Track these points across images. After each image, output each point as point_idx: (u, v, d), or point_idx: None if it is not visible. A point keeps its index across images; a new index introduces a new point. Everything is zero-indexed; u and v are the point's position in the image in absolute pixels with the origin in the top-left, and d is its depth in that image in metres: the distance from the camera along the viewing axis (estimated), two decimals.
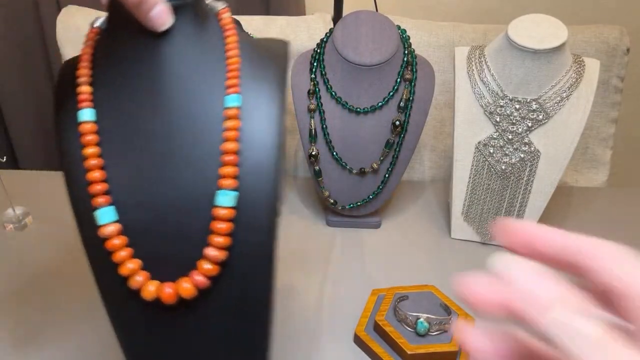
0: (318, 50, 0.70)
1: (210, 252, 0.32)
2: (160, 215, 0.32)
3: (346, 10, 0.98)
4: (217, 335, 0.35)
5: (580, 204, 0.83)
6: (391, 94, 0.67)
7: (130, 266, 0.32)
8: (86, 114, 0.32)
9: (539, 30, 0.62)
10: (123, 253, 0.32)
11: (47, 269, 0.66)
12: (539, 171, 0.66)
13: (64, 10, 0.97)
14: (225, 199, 0.31)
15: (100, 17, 0.36)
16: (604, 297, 0.18)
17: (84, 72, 0.33)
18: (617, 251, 0.18)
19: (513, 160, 0.65)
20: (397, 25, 0.69)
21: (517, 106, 0.63)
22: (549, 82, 0.63)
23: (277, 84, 0.35)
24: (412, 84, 0.67)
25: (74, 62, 0.36)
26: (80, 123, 0.32)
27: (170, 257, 0.33)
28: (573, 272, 0.19)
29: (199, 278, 0.32)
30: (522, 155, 0.65)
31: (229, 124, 0.32)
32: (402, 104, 0.67)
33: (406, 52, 0.68)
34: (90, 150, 0.32)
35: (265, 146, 0.33)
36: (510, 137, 0.65)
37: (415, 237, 0.75)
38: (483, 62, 0.66)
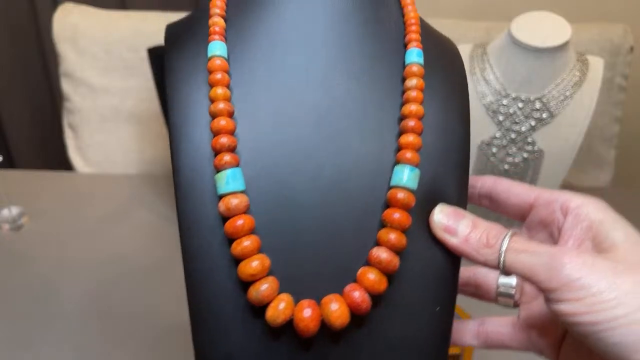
0: None
1: (381, 254, 0.21)
2: (302, 191, 0.23)
3: None
4: None
5: None
6: None
7: (255, 265, 0.20)
8: (217, 48, 0.24)
9: (542, 28, 0.61)
10: (247, 243, 0.21)
11: (43, 270, 0.65)
12: (542, 171, 0.64)
13: (60, 8, 0.96)
14: (405, 176, 0.22)
15: None
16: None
17: (218, 4, 0.26)
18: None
19: (516, 160, 0.64)
20: None
21: (521, 105, 0.62)
22: (552, 81, 0.62)
23: (458, 67, 0.27)
24: None
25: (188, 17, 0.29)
26: (210, 58, 0.24)
27: (312, 259, 0.22)
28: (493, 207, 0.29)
29: (358, 296, 0.21)
30: (525, 155, 0.64)
31: (411, 82, 0.25)
32: None
33: None
34: (219, 92, 0.23)
35: (452, 123, 0.25)
36: (513, 136, 0.64)
37: None
38: (486, 61, 0.65)
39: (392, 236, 0.22)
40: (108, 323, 0.57)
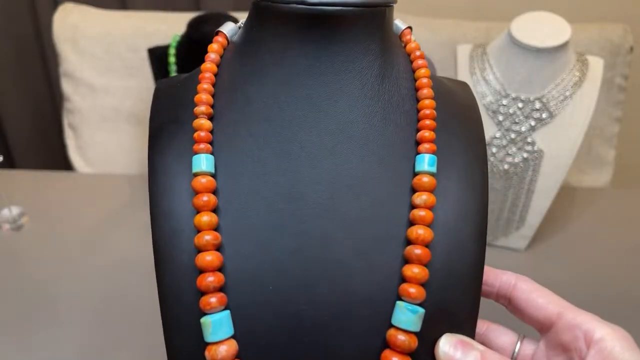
0: None
1: None
2: (295, 331, 0.21)
3: None
4: None
5: (584, 204, 0.82)
6: None
7: None
8: (204, 162, 0.22)
9: (542, 28, 0.61)
10: None
11: (43, 270, 0.65)
12: (542, 171, 0.65)
13: (60, 8, 0.96)
14: (407, 318, 0.20)
15: (229, 23, 0.27)
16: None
17: (204, 99, 0.23)
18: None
19: (516, 160, 0.64)
20: None
21: (520, 105, 0.62)
22: (552, 81, 0.62)
23: (477, 143, 0.24)
24: None
25: (179, 80, 0.26)
26: (196, 175, 0.21)
27: None
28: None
29: None
30: (525, 155, 0.64)
31: (420, 199, 0.22)
32: None
33: None
34: (205, 219, 0.20)
35: (464, 240, 0.22)
36: (513, 136, 0.64)
37: None
38: (486, 61, 0.65)
39: None
40: (108, 323, 0.57)
